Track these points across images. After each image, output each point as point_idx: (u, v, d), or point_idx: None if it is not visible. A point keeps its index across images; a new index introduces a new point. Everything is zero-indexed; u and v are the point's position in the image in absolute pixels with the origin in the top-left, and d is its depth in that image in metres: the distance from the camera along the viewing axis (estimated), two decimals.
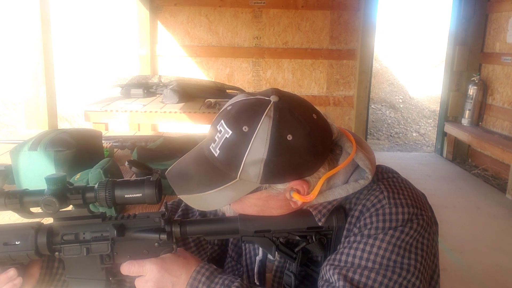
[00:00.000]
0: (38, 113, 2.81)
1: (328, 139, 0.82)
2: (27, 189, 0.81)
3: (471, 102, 5.13)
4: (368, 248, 0.78)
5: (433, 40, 11.22)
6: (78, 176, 1.54)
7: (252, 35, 5.29)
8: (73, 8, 7.79)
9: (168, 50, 5.28)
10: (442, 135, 5.71)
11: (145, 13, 5.12)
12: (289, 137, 0.75)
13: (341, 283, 0.77)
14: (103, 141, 2.00)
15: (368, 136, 6.57)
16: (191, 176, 0.82)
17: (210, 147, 0.80)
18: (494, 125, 5.01)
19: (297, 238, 0.85)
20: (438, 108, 6.21)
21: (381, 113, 7.95)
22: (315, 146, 0.78)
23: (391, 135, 7.37)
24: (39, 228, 0.82)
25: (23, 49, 2.77)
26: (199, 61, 5.34)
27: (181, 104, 3.34)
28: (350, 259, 0.79)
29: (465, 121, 5.24)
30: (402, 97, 8.53)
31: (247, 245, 0.98)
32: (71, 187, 0.80)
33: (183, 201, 1.07)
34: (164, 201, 1.06)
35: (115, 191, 0.79)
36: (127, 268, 0.83)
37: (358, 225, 0.82)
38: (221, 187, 0.78)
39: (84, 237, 0.82)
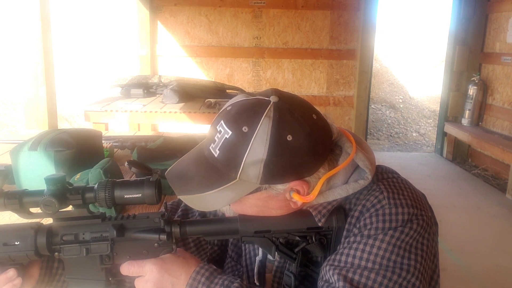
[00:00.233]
0: (38, 113, 2.81)
1: (328, 139, 0.82)
2: (26, 189, 0.81)
3: (471, 102, 5.13)
4: (368, 248, 0.78)
5: (433, 40, 11.22)
6: (78, 176, 1.53)
7: (252, 35, 5.29)
8: (73, 8, 7.79)
9: (168, 50, 5.28)
10: (442, 135, 5.71)
11: (145, 13, 5.12)
12: (289, 138, 0.75)
13: (341, 283, 0.76)
14: (103, 141, 2.00)
15: (368, 136, 6.57)
16: (190, 177, 0.82)
17: (210, 147, 0.80)
18: (494, 125, 5.01)
19: (297, 238, 0.85)
20: (438, 108, 6.22)
21: (381, 113, 7.95)
22: (315, 146, 0.78)
23: (391, 135, 7.37)
24: (38, 229, 0.82)
25: (23, 49, 2.77)
26: (199, 61, 5.34)
27: (181, 104, 3.34)
28: (350, 259, 0.79)
29: (465, 121, 5.24)
30: (402, 97, 8.53)
31: (246, 245, 0.98)
32: (71, 187, 0.80)
33: (182, 201, 1.08)
34: (164, 201, 1.06)
35: (115, 192, 0.79)
36: (127, 268, 0.82)
37: (358, 226, 0.81)
38: (221, 188, 0.78)
39: (83, 238, 0.82)
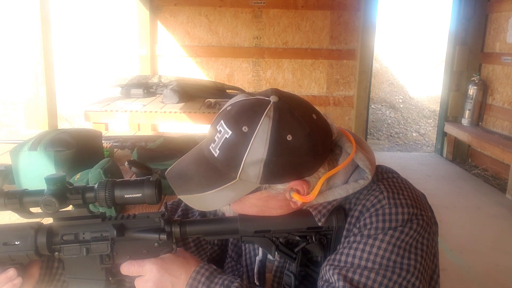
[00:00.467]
0: (38, 113, 2.81)
1: (328, 139, 0.82)
2: (26, 189, 0.81)
3: (471, 102, 5.13)
4: (368, 248, 0.78)
5: (433, 40, 11.22)
6: (78, 176, 1.53)
7: (252, 35, 5.29)
8: (73, 8, 7.79)
9: (168, 50, 5.28)
10: (442, 135, 5.71)
11: (145, 13, 5.12)
12: (289, 137, 0.75)
13: (341, 283, 0.77)
14: (103, 141, 2.00)
15: (368, 136, 6.57)
16: (190, 176, 0.82)
17: (210, 147, 0.80)
18: (494, 125, 5.00)
19: (297, 238, 0.85)
20: (438, 108, 6.21)
21: (381, 113, 7.95)
22: (315, 146, 0.78)
23: (391, 135, 7.37)
24: (38, 228, 0.82)
25: (23, 49, 2.77)
26: (199, 61, 5.34)
27: (181, 104, 3.34)
28: (349, 259, 0.79)
29: (465, 121, 5.24)
30: (402, 97, 8.53)
31: (247, 245, 0.98)
32: (71, 187, 0.80)
33: (183, 201, 1.08)
34: (164, 201, 1.06)
35: (115, 191, 0.79)
36: (127, 268, 0.82)
37: (358, 225, 0.82)
38: (221, 187, 0.78)
39: (83, 237, 0.82)
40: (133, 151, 1.81)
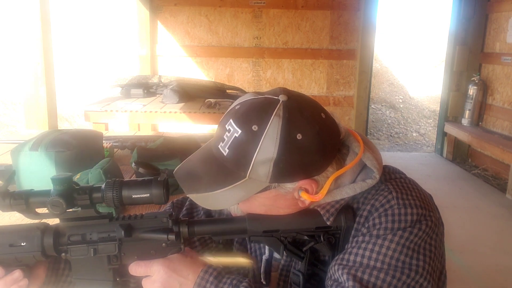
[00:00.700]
0: (38, 113, 2.81)
1: (336, 138, 0.83)
2: (32, 189, 0.80)
3: (471, 102, 5.13)
4: (377, 248, 0.78)
5: (433, 40, 11.22)
6: (78, 176, 1.54)
7: (252, 35, 5.29)
8: (73, 8, 7.79)
9: (168, 50, 5.28)
10: (442, 135, 5.71)
11: (145, 13, 5.12)
12: (299, 136, 0.75)
13: (351, 283, 0.77)
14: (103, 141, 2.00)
15: (368, 136, 6.57)
16: (199, 176, 0.81)
17: (219, 146, 0.79)
18: (494, 125, 5.01)
19: (305, 237, 0.84)
20: (438, 108, 6.21)
21: (381, 113, 7.95)
22: (324, 145, 0.78)
23: (391, 135, 7.37)
24: (45, 229, 0.81)
25: (23, 49, 2.77)
26: (199, 61, 5.34)
27: (181, 104, 3.34)
28: (358, 259, 0.79)
29: (465, 121, 5.24)
30: (402, 97, 8.53)
31: (252, 243, 0.98)
32: (78, 187, 0.79)
33: (187, 199, 1.07)
34: (172, 200, 1.06)
35: (123, 191, 0.79)
36: (134, 268, 0.82)
37: (366, 225, 0.82)
38: (230, 186, 0.77)
39: (91, 238, 0.81)
40: (133, 151, 1.81)
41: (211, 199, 0.80)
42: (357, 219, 0.84)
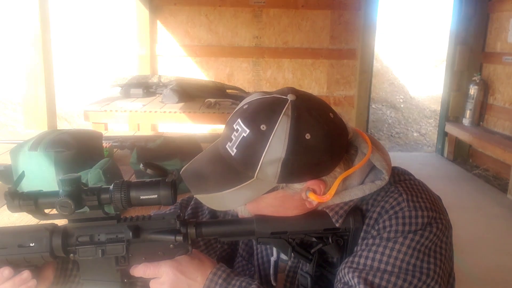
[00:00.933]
0: (37, 113, 2.81)
1: (344, 138, 0.82)
2: (41, 190, 0.80)
3: (472, 102, 5.12)
4: (388, 251, 0.78)
5: (434, 40, 11.22)
6: None
7: (252, 34, 5.28)
8: (73, 8, 7.78)
9: (168, 50, 5.27)
10: (443, 135, 5.71)
11: (144, 12, 5.11)
12: (308, 136, 0.74)
13: (362, 286, 0.76)
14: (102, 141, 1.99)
15: None
16: (207, 176, 0.81)
17: (227, 146, 0.78)
18: (495, 125, 5.00)
19: (314, 239, 0.84)
20: (439, 108, 6.21)
21: (381, 113, 7.94)
22: (332, 145, 0.77)
23: (391, 135, 7.36)
24: (53, 230, 0.82)
25: (22, 49, 2.77)
26: (199, 61, 5.33)
27: (181, 104, 3.34)
28: (369, 262, 0.78)
29: (466, 121, 5.23)
30: (402, 97, 8.52)
31: (259, 245, 0.97)
32: (86, 188, 0.80)
33: (192, 199, 1.07)
34: (179, 200, 1.05)
35: (131, 192, 0.79)
36: (143, 270, 0.82)
37: (376, 228, 0.81)
38: (238, 187, 0.77)
39: (99, 239, 0.82)
40: (132, 151, 1.80)
41: (218, 200, 0.79)
42: (367, 221, 0.83)
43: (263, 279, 0.96)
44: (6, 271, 0.80)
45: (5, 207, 1.51)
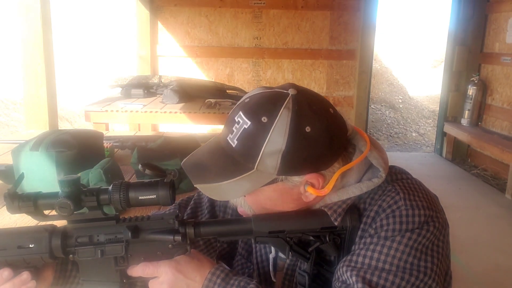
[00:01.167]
0: (38, 113, 2.81)
1: (344, 134, 0.83)
2: (40, 191, 0.81)
3: (470, 102, 5.14)
4: (385, 250, 0.78)
5: (432, 40, 11.23)
6: (78, 176, 1.54)
7: (252, 35, 5.30)
8: (74, 8, 7.79)
9: (168, 51, 5.28)
10: (442, 135, 5.72)
11: (145, 13, 5.12)
12: (308, 129, 0.76)
13: (360, 285, 0.77)
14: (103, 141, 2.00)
15: None
16: (207, 166, 0.82)
17: (228, 138, 0.80)
18: (494, 125, 5.01)
19: (311, 238, 0.85)
20: (438, 108, 6.22)
21: (380, 113, 7.96)
22: (332, 139, 0.78)
23: (390, 135, 7.37)
24: (53, 231, 0.82)
25: (23, 49, 2.78)
26: (199, 61, 5.34)
27: (181, 104, 3.35)
28: (367, 260, 0.79)
29: (464, 121, 5.25)
30: (401, 97, 8.53)
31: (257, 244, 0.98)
32: (85, 189, 0.80)
33: (191, 199, 1.08)
34: (177, 201, 1.05)
35: (129, 193, 0.79)
36: (142, 269, 0.82)
37: (374, 226, 0.82)
38: (238, 178, 0.78)
39: (98, 239, 0.82)
40: (133, 151, 1.81)
41: (218, 190, 0.80)
42: (364, 219, 0.84)
43: (262, 277, 0.96)
44: (5, 272, 0.80)
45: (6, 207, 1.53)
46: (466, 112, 5.20)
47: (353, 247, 0.83)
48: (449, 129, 5.43)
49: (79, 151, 1.64)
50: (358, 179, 0.85)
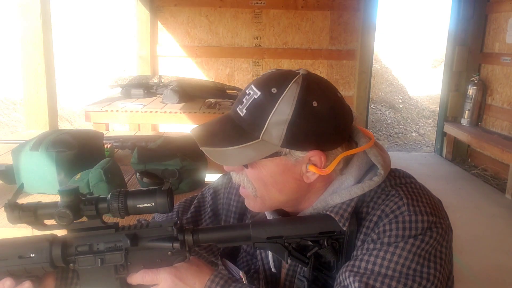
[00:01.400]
0: (38, 113, 2.81)
1: (349, 120, 0.85)
2: (40, 202, 0.82)
3: (470, 102, 5.14)
4: (388, 256, 0.78)
5: (432, 41, 11.23)
6: (78, 176, 1.54)
7: (252, 35, 5.30)
8: (74, 8, 7.80)
9: (169, 51, 5.29)
10: (442, 135, 5.72)
11: (145, 13, 5.12)
12: (315, 104, 0.78)
13: None
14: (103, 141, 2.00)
15: None
16: (215, 133, 0.84)
17: (237, 108, 0.82)
18: (494, 125, 5.01)
19: (309, 243, 0.85)
20: (438, 108, 6.22)
21: (380, 113, 7.96)
22: (337, 120, 0.80)
23: (390, 135, 7.38)
24: (53, 240, 0.82)
25: (23, 49, 2.78)
26: (199, 61, 5.35)
27: (181, 104, 3.35)
28: (370, 266, 0.79)
29: (464, 121, 5.25)
30: (401, 97, 8.54)
31: (255, 250, 0.98)
32: (84, 198, 0.81)
33: (194, 199, 1.10)
34: (175, 209, 1.06)
35: (128, 201, 0.80)
36: (142, 276, 0.83)
37: (376, 231, 0.82)
38: (243, 145, 0.79)
39: (98, 248, 0.83)
40: (133, 151, 1.81)
41: (222, 155, 0.81)
42: (367, 223, 0.84)
43: (268, 272, 0.97)
44: (7, 282, 0.80)
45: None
46: (466, 112, 5.21)
47: (355, 252, 0.83)
48: (449, 129, 5.44)
49: (79, 151, 1.64)
50: (359, 176, 0.85)
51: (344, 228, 0.82)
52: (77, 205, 0.80)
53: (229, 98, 3.54)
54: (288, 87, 0.78)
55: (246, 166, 0.84)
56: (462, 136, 5.10)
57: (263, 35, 5.30)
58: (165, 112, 3.15)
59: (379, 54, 9.22)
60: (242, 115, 0.81)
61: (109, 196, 0.80)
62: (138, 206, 0.80)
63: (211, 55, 5.32)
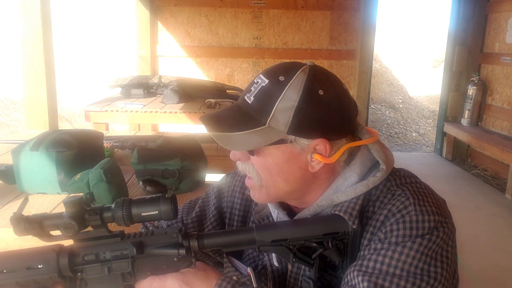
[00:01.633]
0: (38, 113, 2.81)
1: (354, 112, 0.87)
2: (46, 213, 0.83)
3: (470, 102, 5.14)
4: (396, 255, 0.79)
5: (432, 40, 11.23)
6: (78, 176, 1.54)
7: (252, 35, 5.30)
8: (74, 8, 7.80)
9: (169, 51, 5.29)
10: (442, 135, 5.72)
11: (145, 13, 5.13)
12: (321, 92, 0.81)
13: None
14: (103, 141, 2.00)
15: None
16: (223, 119, 0.86)
17: (245, 97, 0.84)
18: (494, 125, 5.01)
19: (314, 245, 0.85)
20: (438, 108, 6.22)
21: (380, 113, 7.96)
22: (342, 109, 0.83)
23: (390, 135, 7.38)
24: (60, 251, 0.83)
25: (23, 49, 2.78)
26: (199, 61, 5.35)
27: (181, 104, 3.35)
28: (378, 265, 0.79)
29: (464, 121, 5.25)
30: (401, 97, 8.54)
31: (260, 253, 0.99)
32: (89, 208, 0.82)
33: (199, 199, 1.11)
34: (180, 212, 1.07)
35: (132, 210, 0.81)
36: (149, 283, 0.84)
37: (384, 231, 0.82)
38: (250, 131, 0.81)
39: (104, 257, 0.84)
40: (133, 151, 1.81)
41: (229, 139, 0.83)
42: (373, 223, 0.84)
43: (274, 267, 0.97)
44: None
45: (6, 206, 1.53)
46: (466, 112, 5.21)
47: (362, 252, 0.84)
48: (449, 129, 5.44)
49: (79, 151, 1.64)
50: (362, 174, 0.86)
51: (354, 227, 0.83)
52: (82, 215, 0.81)
53: (229, 98, 3.54)
54: (296, 75, 0.81)
55: (252, 153, 0.85)
56: (462, 136, 5.10)
57: (263, 35, 5.31)
58: (165, 112, 3.15)
59: (379, 54, 9.22)
60: (250, 102, 0.83)
61: (113, 205, 0.81)
62: (142, 214, 0.81)
63: (211, 55, 5.32)
